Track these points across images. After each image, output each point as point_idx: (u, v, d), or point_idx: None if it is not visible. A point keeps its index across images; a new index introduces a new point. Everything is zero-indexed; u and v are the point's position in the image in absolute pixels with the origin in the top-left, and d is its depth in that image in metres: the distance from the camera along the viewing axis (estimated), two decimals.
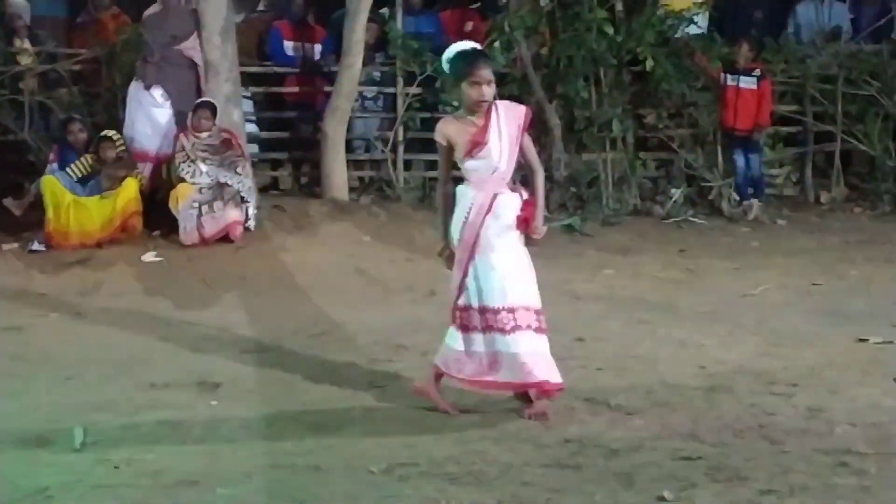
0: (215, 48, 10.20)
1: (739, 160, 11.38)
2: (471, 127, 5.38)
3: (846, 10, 12.29)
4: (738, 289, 8.41)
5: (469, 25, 11.90)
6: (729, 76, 11.26)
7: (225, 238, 9.66)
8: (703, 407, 5.40)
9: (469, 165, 5.41)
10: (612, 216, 10.95)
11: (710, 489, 4.29)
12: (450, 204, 5.51)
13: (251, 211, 9.87)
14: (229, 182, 9.74)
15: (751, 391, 5.66)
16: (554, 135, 10.94)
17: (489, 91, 5.34)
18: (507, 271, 5.33)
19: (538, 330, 5.33)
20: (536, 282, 5.41)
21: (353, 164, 11.36)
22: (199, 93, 10.21)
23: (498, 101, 5.47)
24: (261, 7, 12.00)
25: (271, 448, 4.89)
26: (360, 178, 11.56)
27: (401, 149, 11.48)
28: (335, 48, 11.17)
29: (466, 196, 5.41)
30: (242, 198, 9.78)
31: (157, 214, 9.96)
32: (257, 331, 7.31)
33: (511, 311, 5.29)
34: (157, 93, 10.20)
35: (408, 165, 11.61)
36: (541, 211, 5.49)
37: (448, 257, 5.52)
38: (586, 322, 7.30)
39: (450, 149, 5.43)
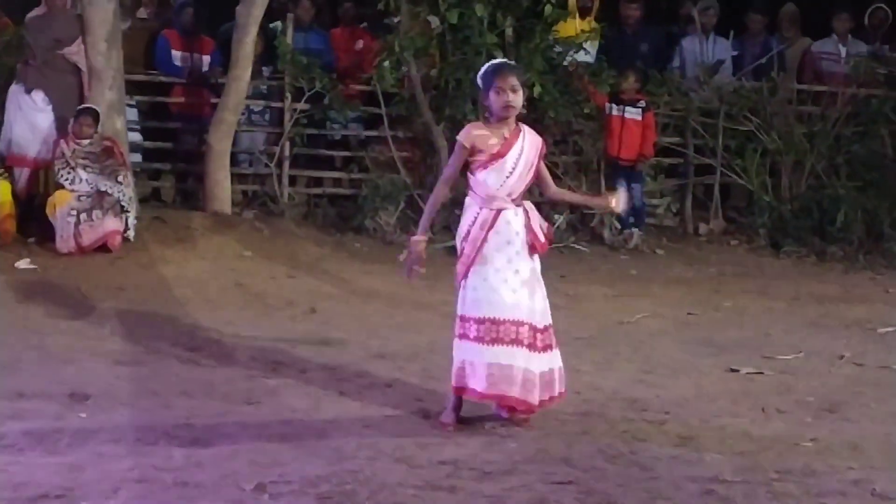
0: (100, 54, 10.05)
1: (622, 189, 11.52)
2: (496, 138, 5.45)
3: (730, 47, 12.56)
4: (615, 316, 8.52)
5: (359, 44, 11.93)
6: (614, 106, 11.44)
7: (103, 247, 9.51)
8: (577, 432, 5.45)
9: (480, 177, 5.47)
10: None
11: None
12: (438, 203, 5.62)
13: (131, 221, 9.73)
14: (109, 191, 9.59)
15: (624, 418, 5.72)
16: (440, 156, 10.97)
17: (515, 98, 5.41)
18: (499, 285, 5.39)
19: (530, 346, 5.41)
20: (527, 296, 5.44)
21: (237, 178, 11.27)
22: (81, 99, 10.05)
23: (525, 127, 5.57)
24: (143, 14, 11.80)
25: (140, 462, 4.79)
26: (244, 192, 11.47)
27: (286, 164, 11.42)
28: (222, 60, 11.08)
29: (471, 209, 5.50)
30: (122, 207, 9.63)
31: (33, 221, 9.75)
32: (132, 343, 7.17)
33: (495, 322, 5.36)
34: (39, 97, 10.02)
35: (293, 181, 11.55)
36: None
37: (411, 258, 5.53)
38: None
39: (469, 153, 5.47)
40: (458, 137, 5.54)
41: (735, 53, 12.60)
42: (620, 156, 11.47)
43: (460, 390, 5.50)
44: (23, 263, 9.13)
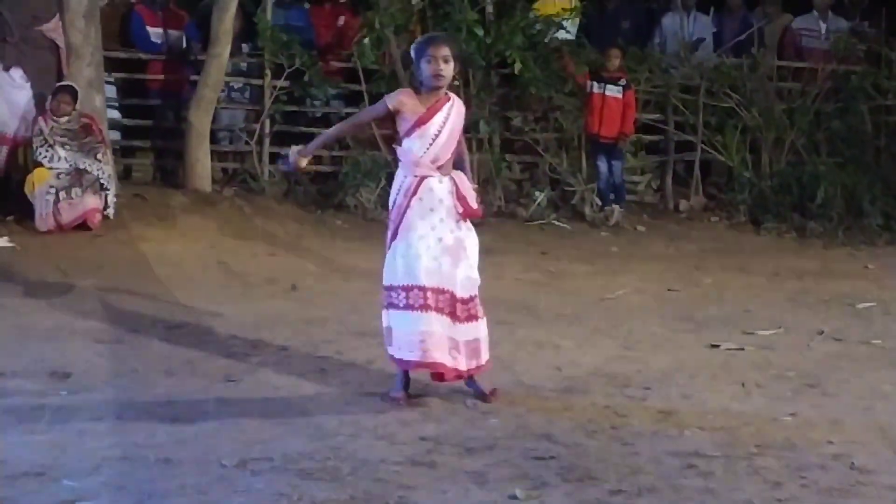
0: (78, 31, 10.00)
1: (602, 166, 11.56)
2: (423, 106, 5.45)
3: (710, 23, 12.57)
4: (596, 292, 8.53)
5: (341, 20, 11.88)
6: (595, 84, 11.44)
7: (82, 226, 9.47)
8: (558, 408, 5.45)
9: (405, 145, 5.49)
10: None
11: (560, 488, 4.33)
12: (335, 135, 5.85)
13: (110, 199, 9.69)
14: (88, 168, 9.55)
15: (605, 393, 5.73)
16: None
17: (446, 67, 5.41)
18: (422, 252, 5.38)
19: (451, 315, 5.40)
20: (449, 265, 5.42)
21: (217, 156, 11.24)
22: (60, 76, 9.99)
23: (454, 96, 5.57)
24: None
25: (121, 440, 4.78)
26: (224, 170, 11.44)
27: (266, 141, 11.39)
28: (199, 36, 11.04)
29: (398, 178, 5.52)
30: (102, 185, 9.60)
31: (12, 199, 9.71)
32: (112, 321, 7.15)
33: (423, 289, 5.36)
34: (17, 74, 9.96)
35: (273, 158, 11.52)
36: (470, 190, 5.57)
37: (293, 159, 5.58)
38: None
39: (389, 115, 5.50)
40: (386, 97, 5.57)
41: (715, 30, 12.61)
42: (601, 133, 11.48)
43: (396, 360, 5.52)
44: (2, 242, 9.09)
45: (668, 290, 8.75)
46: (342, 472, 4.45)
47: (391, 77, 11.12)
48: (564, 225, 11.25)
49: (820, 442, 4.98)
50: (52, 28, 10.00)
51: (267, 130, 11.40)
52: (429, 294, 5.36)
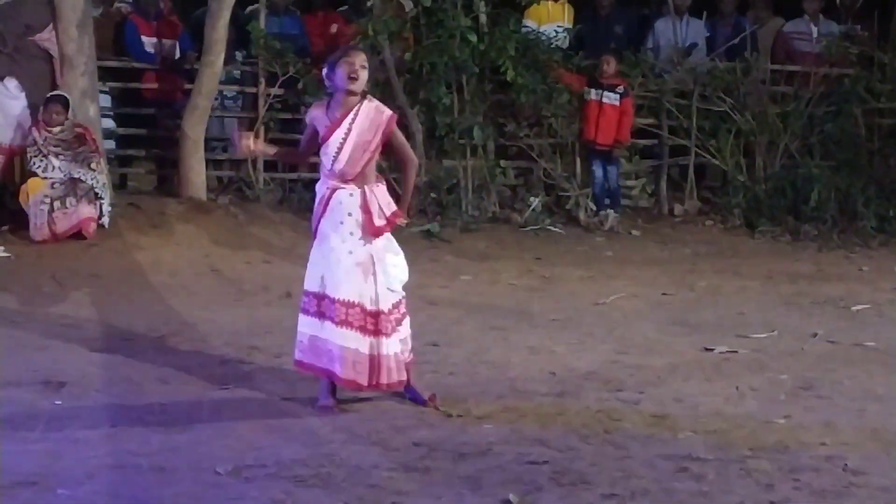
0: (72, 41, 9.99)
1: (597, 171, 11.59)
2: (329, 119, 5.50)
3: (703, 27, 12.59)
4: (590, 297, 8.55)
5: (333, 28, 11.88)
6: (593, 91, 11.46)
7: (77, 235, 9.46)
8: (552, 412, 5.47)
9: (320, 156, 5.56)
10: (470, 223, 11.03)
11: (554, 493, 4.34)
12: (289, 157, 6.14)
13: (105, 208, 9.68)
14: (83, 178, 9.54)
15: (598, 398, 5.75)
16: (415, 140, 10.97)
17: (361, 72, 5.43)
18: (334, 263, 5.42)
19: (361, 329, 5.40)
20: (360, 279, 5.42)
21: (212, 164, 11.24)
22: (54, 86, 9.99)
23: (365, 105, 5.52)
24: (119, 4, 11.74)
25: (115, 448, 4.79)
26: (219, 178, 11.45)
27: None
28: (193, 45, 11.05)
29: (317, 188, 5.60)
30: (96, 194, 9.59)
31: (6, 209, 9.71)
32: (107, 329, 7.17)
33: (329, 300, 5.41)
34: (11, 84, 9.95)
35: (267, 166, 11.52)
36: (406, 197, 5.64)
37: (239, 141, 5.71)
38: (440, 327, 7.33)
39: (313, 131, 5.59)
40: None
41: (708, 34, 12.63)
42: (597, 140, 11.50)
43: (296, 363, 5.58)
44: None
45: (663, 294, 8.76)
46: (336, 478, 4.46)
47: (385, 84, 11.13)
48: (559, 230, 11.26)
49: (813, 444, 5.00)
50: (46, 38, 10.00)
51: (262, 138, 11.38)
52: (335, 307, 5.38)
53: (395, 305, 5.50)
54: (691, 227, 11.85)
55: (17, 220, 9.55)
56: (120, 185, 11.18)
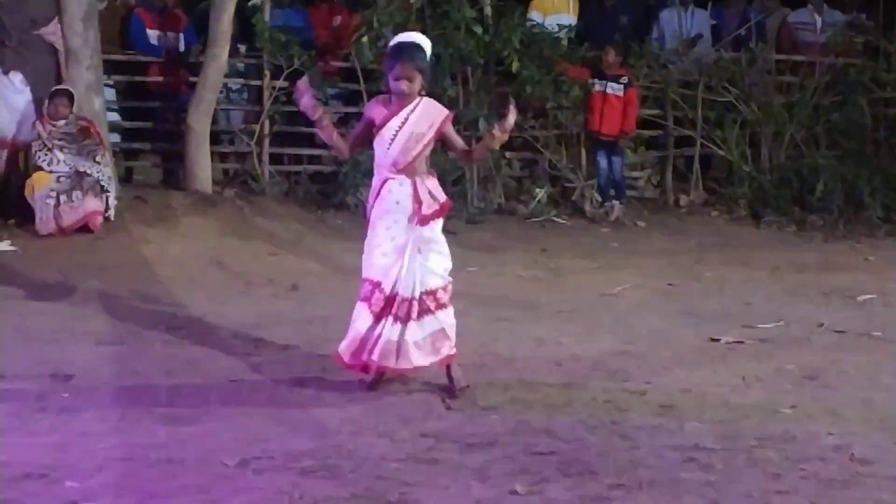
0: (77, 35, 10.00)
1: (602, 162, 11.58)
2: (387, 110, 5.61)
3: (708, 18, 12.57)
4: (597, 288, 8.55)
5: (336, 20, 11.87)
6: (597, 81, 11.45)
7: (84, 228, 9.48)
8: (559, 403, 5.47)
9: (375, 147, 5.65)
10: (476, 215, 11.03)
11: (561, 483, 4.35)
12: (337, 142, 5.75)
13: (111, 201, 9.70)
14: (88, 171, 9.56)
15: (605, 388, 5.74)
16: None
17: (408, 86, 5.55)
18: (373, 249, 5.57)
19: (382, 312, 5.53)
20: (433, 266, 5.56)
21: (217, 157, 11.25)
22: (59, 79, 10.00)
23: (424, 101, 5.66)
24: None
25: (123, 441, 4.80)
26: (225, 171, 11.45)
27: (266, 142, 11.40)
28: (198, 38, 11.05)
29: (374, 182, 5.69)
30: (102, 187, 9.60)
31: (12, 203, 9.72)
32: (114, 323, 7.16)
33: (369, 282, 5.56)
34: (17, 78, 9.96)
35: (273, 159, 11.53)
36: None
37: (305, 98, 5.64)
38: None
39: (368, 123, 5.66)
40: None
41: (714, 23, 12.61)
42: (602, 131, 11.49)
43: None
44: (3, 245, 9.10)
45: (669, 284, 8.76)
46: (343, 470, 4.47)
47: None
48: (565, 221, 11.26)
49: (820, 434, 5.00)
50: (51, 31, 10.01)
51: (266, 131, 11.41)
52: (366, 285, 5.56)
53: (430, 293, 5.57)
54: (697, 217, 11.85)
55: (24, 214, 9.56)
56: (126, 178, 11.19)
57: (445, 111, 5.71)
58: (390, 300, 5.52)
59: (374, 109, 5.67)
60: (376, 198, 5.61)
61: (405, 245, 5.54)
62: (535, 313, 7.64)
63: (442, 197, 5.64)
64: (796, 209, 11.68)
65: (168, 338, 6.79)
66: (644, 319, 7.47)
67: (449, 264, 5.66)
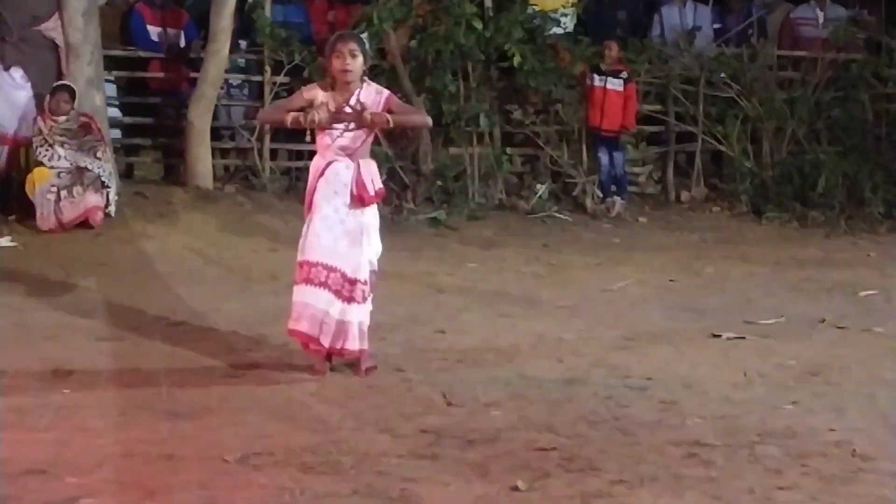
0: (77, 30, 10.00)
1: (604, 158, 11.56)
2: (332, 101, 5.73)
3: (709, 13, 12.56)
4: (598, 284, 8.54)
5: (330, 15, 11.86)
6: (596, 77, 11.43)
7: (84, 224, 9.47)
8: (560, 399, 5.46)
9: (319, 135, 5.78)
10: (477, 210, 11.02)
11: (562, 479, 4.34)
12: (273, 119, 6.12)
13: (112, 196, 9.70)
14: (89, 167, 9.56)
15: (606, 384, 5.74)
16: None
17: (352, 62, 5.67)
18: (322, 231, 5.68)
19: (336, 293, 5.69)
20: (371, 251, 5.78)
21: (218, 152, 11.24)
22: (60, 75, 9.99)
23: (365, 88, 5.79)
24: None
25: (123, 437, 4.79)
26: (225, 167, 11.45)
27: (267, 138, 11.38)
28: (198, 34, 11.04)
29: (313, 163, 5.83)
30: (103, 183, 9.60)
31: (13, 199, 9.72)
32: (114, 318, 7.16)
33: (311, 265, 5.69)
34: (17, 74, 9.96)
35: (273, 155, 11.52)
36: (399, 118, 5.85)
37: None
38: (448, 315, 7.33)
39: (305, 104, 5.76)
40: (299, 91, 5.96)
41: (715, 19, 12.60)
42: (602, 127, 11.47)
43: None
44: (3, 241, 9.10)
45: (670, 280, 8.75)
46: (344, 465, 4.46)
47: (390, 71, 11.12)
48: (566, 217, 11.25)
49: (821, 429, 4.99)
50: (52, 27, 10.00)
51: (267, 127, 11.38)
52: (315, 269, 5.66)
53: (366, 279, 5.75)
54: (698, 213, 11.84)
55: (24, 210, 9.55)
56: (126, 174, 11.18)
57: (387, 92, 5.86)
58: (352, 284, 5.67)
59: (316, 96, 5.76)
60: (319, 178, 5.72)
61: (357, 230, 5.70)
62: (536, 309, 7.63)
63: (379, 184, 5.82)
64: (798, 205, 11.67)
65: (168, 333, 6.78)
66: (645, 315, 7.46)
67: (380, 250, 5.86)
